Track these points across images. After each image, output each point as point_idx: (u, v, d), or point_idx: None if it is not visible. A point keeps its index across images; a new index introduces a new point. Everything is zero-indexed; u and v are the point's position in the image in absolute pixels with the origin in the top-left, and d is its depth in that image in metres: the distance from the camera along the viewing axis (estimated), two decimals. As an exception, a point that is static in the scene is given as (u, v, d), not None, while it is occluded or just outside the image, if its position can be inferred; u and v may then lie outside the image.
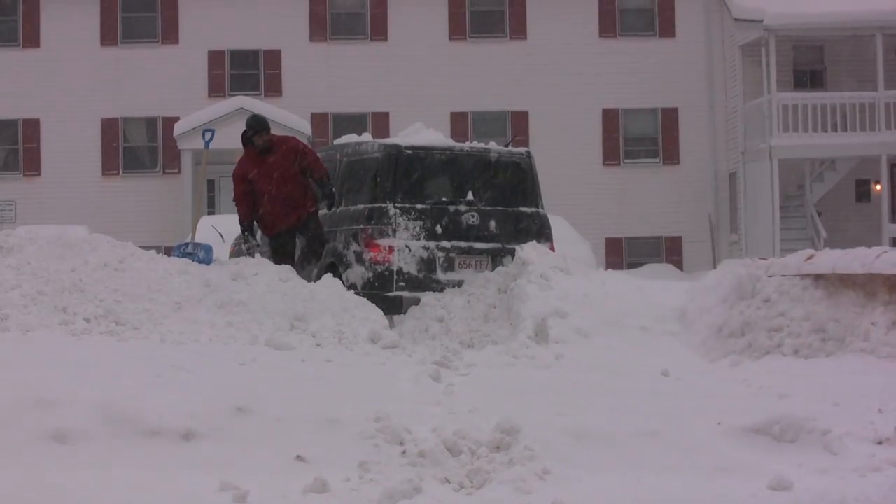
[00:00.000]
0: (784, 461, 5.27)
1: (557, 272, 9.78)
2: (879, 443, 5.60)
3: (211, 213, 23.07)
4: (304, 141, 26.62)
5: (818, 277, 9.17)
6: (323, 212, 11.44)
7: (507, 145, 12.61)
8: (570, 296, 9.39)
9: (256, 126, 11.45)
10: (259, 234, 11.61)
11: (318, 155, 12.02)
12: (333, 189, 11.36)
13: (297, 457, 5.15)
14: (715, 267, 13.71)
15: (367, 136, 13.15)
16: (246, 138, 11.50)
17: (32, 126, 29.10)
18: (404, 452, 5.29)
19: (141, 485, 4.70)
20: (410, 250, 10.61)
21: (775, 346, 8.78)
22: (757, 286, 9.25)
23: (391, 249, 10.65)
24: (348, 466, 5.04)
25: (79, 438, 5.19)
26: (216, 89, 29.01)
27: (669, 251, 26.70)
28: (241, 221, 11.50)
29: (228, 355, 7.73)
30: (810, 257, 9.60)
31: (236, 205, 11.49)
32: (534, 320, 9.03)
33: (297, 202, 11.29)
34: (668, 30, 28.98)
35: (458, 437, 5.42)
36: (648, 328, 9.16)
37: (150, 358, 7.40)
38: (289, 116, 27.06)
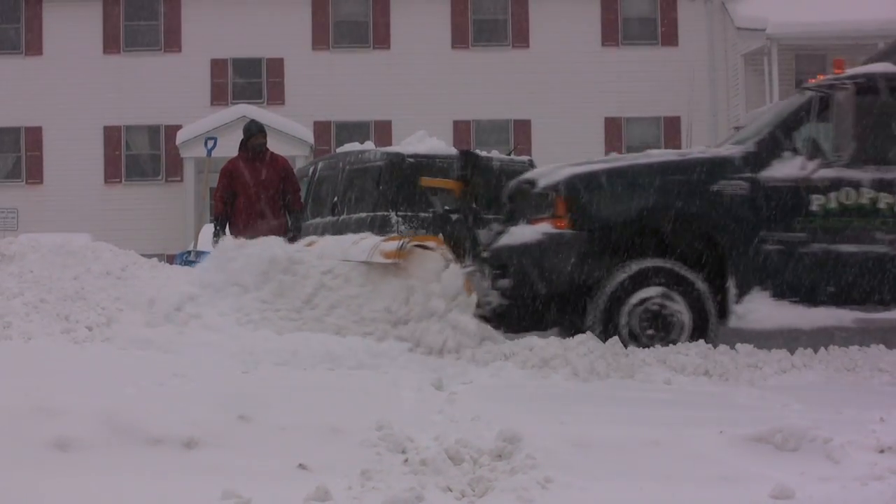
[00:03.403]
0: (786, 470, 5.27)
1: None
2: (881, 451, 5.60)
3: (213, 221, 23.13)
4: (307, 150, 26.75)
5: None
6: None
7: (509, 154, 12.65)
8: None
9: (254, 129, 11.82)
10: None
11: (318, 165, 12.21)
12: (301, 225, 11.64)
13: (300, 465, 5.16)
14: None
15: (369, 145, 13.23)
16: (242, 141, 11.85)
17: (35, 134, 29.20)
18: (406, 461, 5.29)
19: (143, 493, 4.71)
20: (413, 259, 10.62)
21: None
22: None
23: (393, 258, 10.66)
24: (350, 475, 5.04)
25: (81, 446, 5.19)
26: (219, 97, 29.09)
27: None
28: (215, 216, 11.78)
29: (230, 363, 7.74)
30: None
31: (214, 200, 11.79)
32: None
33: (269, 217, 11.52)
34: (670, 38, 29.07)
35: (460, 446, 5.43)
36: None
37: (152, 366, 7.42)
38: (291, 125, 27.14)
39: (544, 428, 5.82)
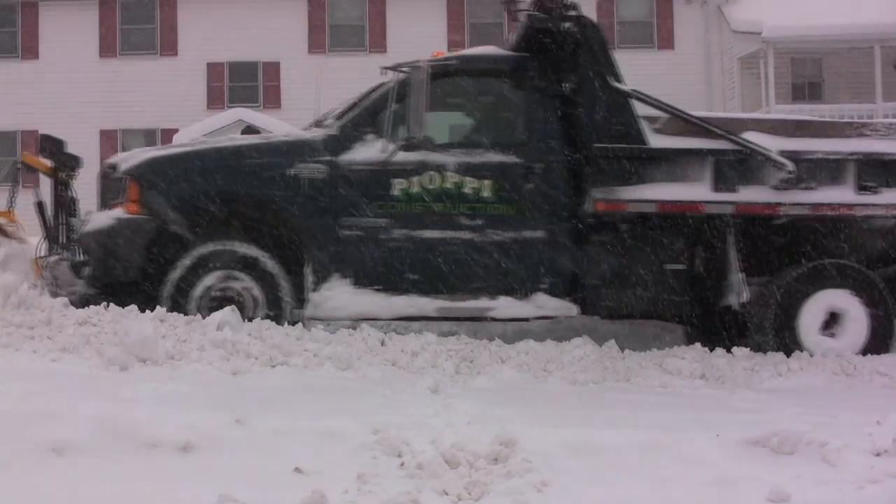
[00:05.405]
0: (782, 473, 5.26)
1: None
2: (878, 454, 5.59)
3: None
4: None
5: None
6: None
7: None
8: None
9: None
10: None
11: None
12: None
13: (296, 469, 5.15)
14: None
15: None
16: None
17: (31, 138, 29.12)
18: (402, 465, 5.29)
19: (139, 496, 4.70)
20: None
21: None
22: None
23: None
24: (346, 479, 5.04)
25: (78, 450, 5.19)
26: (215, 101, 29.06)
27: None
28: None
29: (226, 368, 7.74)
30: None
31: None
32: None
33: None
34: (666, 42, 29.05)
35: (457, 449, 5.42)
36: None
37: (148, 371, 7.42)
38: (288, 128, 27.06)
39: (540, 431, 5.81)
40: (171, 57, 29.50)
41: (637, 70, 28.72)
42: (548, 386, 8.06)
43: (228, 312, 8.51)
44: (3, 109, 28.71)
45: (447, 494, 4.98)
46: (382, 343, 8.67)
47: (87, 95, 28.93)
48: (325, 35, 29.55)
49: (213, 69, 29.45)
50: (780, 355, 9.06)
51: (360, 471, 5.15)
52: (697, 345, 9.18)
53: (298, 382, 7.44)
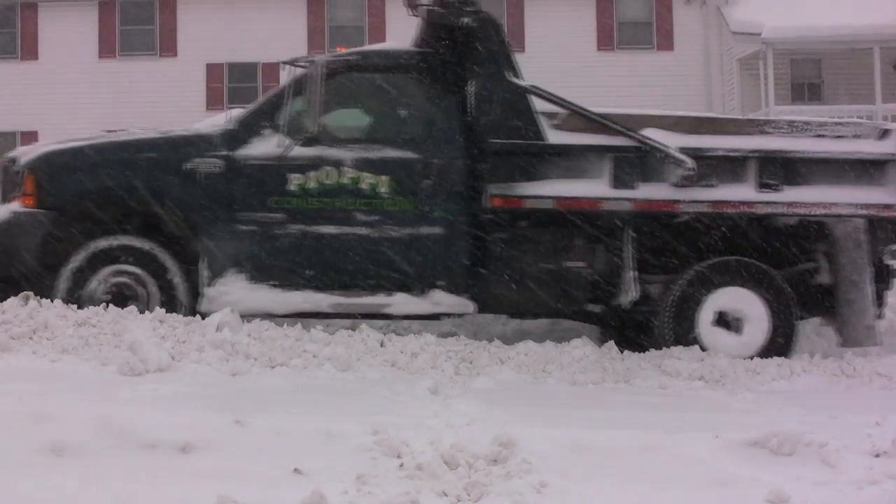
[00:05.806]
0: (781, 474, 5.27)
1: None
2: (877, 455, 5.60)
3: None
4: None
5: None
6: None
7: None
8: None
9: None
10: None
11: None
12: None
13: (295, 470, 5.15)
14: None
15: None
16: None
17: (31, 139, 29.11)
18: (402, 465, 5.29)
19: (138, 497, 4.70)
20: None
21: None
22: None
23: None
24: (346, 479, 5.03)
25: (77, 451, 5.19)
26: (214, 102, 29.06)
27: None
28: None
29: (225, 369, 7.74)
30: None
31: None
32: None
33: None
34: (666, 43, 29.03)
35: (456, 450, 5.42)
36: None
37: (146, 373, 7.42)
38: (287, 129, 27.06)
39: (540, 432, 5.81)
40: (171, 58, 29.50)
41: (636, 71, 28.76)
42: (547, 387, 8.06)
43: (228, 313, 8.51)
44: (2, 110, 28.70)
45: (446, 495, 4.97)
46: (382, 344, 8.67)
47: (86, 96, 28.92)
48: (324, 36, 29.54)
49: (213, 70, 29.45)
50: (782, 357, 9.05)
51: (359, 471, 5.14)
52: (695, 346, 9.17)
53: (298, 383, 7.45)
